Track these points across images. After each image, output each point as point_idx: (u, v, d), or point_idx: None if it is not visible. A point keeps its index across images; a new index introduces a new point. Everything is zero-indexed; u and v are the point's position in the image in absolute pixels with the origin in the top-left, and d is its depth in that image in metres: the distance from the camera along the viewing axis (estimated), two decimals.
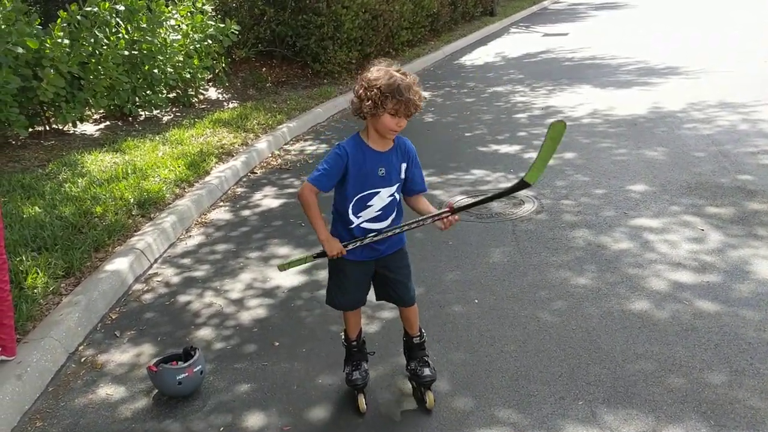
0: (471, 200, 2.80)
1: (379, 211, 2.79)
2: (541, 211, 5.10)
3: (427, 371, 2.96)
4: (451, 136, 7.71)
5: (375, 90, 2.53)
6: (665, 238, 4.42)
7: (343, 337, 3.16)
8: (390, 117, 2.57)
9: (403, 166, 2.78)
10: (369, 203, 2.76)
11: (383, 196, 2.77)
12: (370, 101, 2.55)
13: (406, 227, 2.78)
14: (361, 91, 2.59)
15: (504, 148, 7.00)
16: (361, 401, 2.97)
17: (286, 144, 8.13)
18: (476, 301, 3.86)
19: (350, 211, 2.78)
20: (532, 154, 6.60)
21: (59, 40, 7.08)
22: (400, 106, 2.55)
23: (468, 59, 14.14)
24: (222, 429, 2.98)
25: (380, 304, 3.84)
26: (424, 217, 2.76)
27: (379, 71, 2.59)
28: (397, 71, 2.60)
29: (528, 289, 3.93)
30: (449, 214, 2.68)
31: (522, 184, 2.57)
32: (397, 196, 2.82)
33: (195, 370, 3.18)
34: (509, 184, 2.74)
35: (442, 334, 3.52)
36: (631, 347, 3.24)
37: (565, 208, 5.12)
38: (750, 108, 7.52)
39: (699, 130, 6.85)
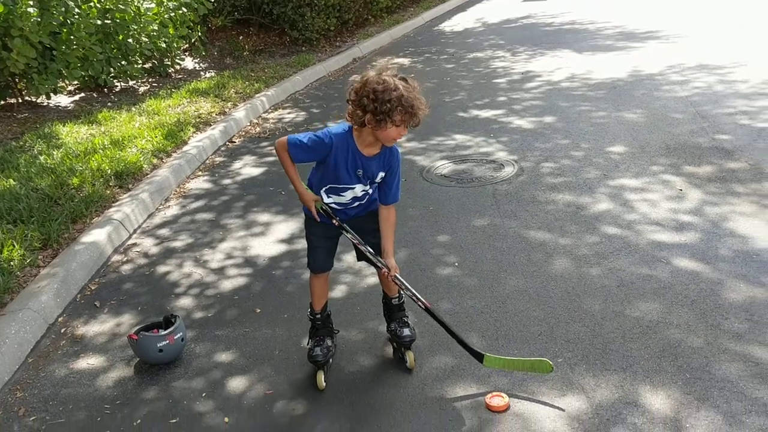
0: (442, 323, 2.89)
1: (350, 200, 2.82)
2: (521, 174, 5.10)
3: (406, 331, 2.97)
4: (431, 102, 7.54)
5: (381, 102, 2.45)
6: (644, 197, 4.44)
7: (308, 309, 3.13)
8: (395, 128, 2.53)
9: (381, 174, 2.77)
10: (342, 194, 2.79)
11: (357, 192, 2.79)
12: (375, 114, 2.47)
13: (362, 246, 2.87)
14: (364, 100, 2.49)
15: (484, 113, 6.97)
16: (320, 379, 2.90)
17: (264, 112, 8.05)
18: (457, 263, 3.87)
19: (322, 191, 2.80)
20: (512, 119, 6.60)
21: (28, 9, 6.90)
22: (408, 117, 2.50)
23: (448, 25, 14.02)
24: (204, 394, 2.98)
25: (360, 270, 3.86)
26: (372, 259, 2.87)
27: (381, 81, 2.49)
28: (399, 78, 2.54)
29: (508, 251, 3.94)
30: (387, 271, 2.82)
31: (478, 356, 2.82)
32: (372, 191, 2.83)
33: (176, 337, 3.16)
34: (469, 345, 2.86)
35: (422, 295, 3.51)
36: (610, 306, 3.27)
37: (545, 170, 5.13)
38: (727, 69, 7.55)
39: (677, 92, 6.86)
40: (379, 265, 2.87)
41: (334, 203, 2.82)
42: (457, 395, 2.77)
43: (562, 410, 2.61)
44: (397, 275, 2.85)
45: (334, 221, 2.83)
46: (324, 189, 2.79)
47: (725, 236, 3.82)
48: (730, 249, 3.68)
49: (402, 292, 3.00)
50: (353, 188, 2.77)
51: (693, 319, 3.09)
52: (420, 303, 2.86)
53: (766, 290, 3.25)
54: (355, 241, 2.88)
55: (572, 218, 4.27)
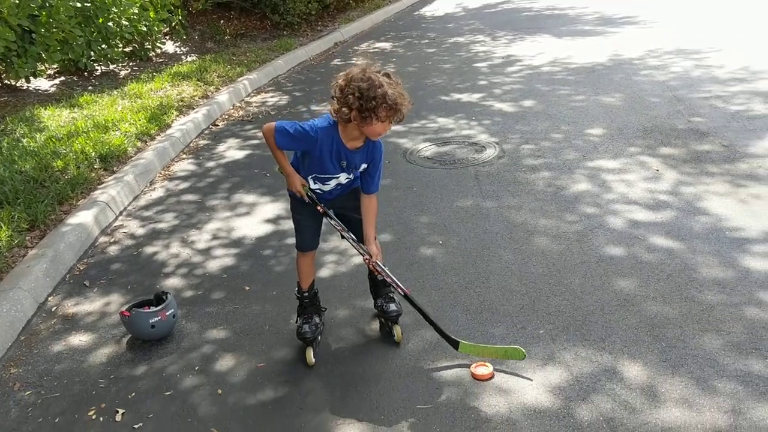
0: (420, 309, 2.96)
1: (334, 187, 2.90)
2: (502, 156, 5.20)
3: (393, 306, 3.07)
4: (413, 86, 7.72)
5: (366, 100, 2.51)
6: (622, 178, 4.57)
7: (296, 288, 3.21)
8: (380, 124, 2.60)
9: (364, 165, 2.85)
10: (327, 182, 2.87)
11: (341, 180, 2.88)
12: (360, 111, 2.54)
13: (345, 234, 2.98)
14: (350, 97, 2.55)
15: (465, 97, 7.06)
16: (309, 355, 3.00)
17: (247, 96, 8.07)
18: (441, 242, 3.97)
19: (309, 178, 2.87)
20: (494, 102, 6.69)
21: None
22: (392, 114, 2.57)
23: (428, 10, 14.07)
24: (197, 368, 3.06)
25: (346, 250, 3.94)
26: (354, 245, 2.97)
27: (366, 78, 2.55)
28: (383, 74, 2.59)
29: (491, 230, 4.04)
30: (368, 258, 2.92)
31: (454, 343, 2.89)
32: (354, 177, 2.90)
33: (167, 313, 3.23)
34: (445, 332, 2.93)
35: (408, 274, 3.61)
36: (589, 280, 3.39)
37: (525, 152, 5.24)
38: (703, 55, 7.69)
39: (654, 77, 7.00)
40: (361, 251, 2.96)
41: (319, 190, 2.90)
42: (443, 366, 2.88)
43: (544, 380, 2.72)
44: (378, 262, 2.93)
45: (318, 208, 2.91)
46: (309, 177, 2.87)
47: (699, 215, 3.95)
48: (703, 227, 3.81)
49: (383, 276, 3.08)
50: (338, 177, 2.85)
51: (668, 292, 3.22)
52: (399, 290, 2.95)
53: (737, 265, 3.39)
54: (338, 228, 2.96)
55: (552, 198, 4.38)
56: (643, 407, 2.50)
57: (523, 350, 2.81)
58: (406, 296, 2.94)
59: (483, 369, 2.78)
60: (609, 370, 2.73)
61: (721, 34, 8.73)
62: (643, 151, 5.00)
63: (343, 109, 2.59)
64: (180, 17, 10.15)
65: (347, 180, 2.87)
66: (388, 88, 2.54)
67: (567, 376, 2.73)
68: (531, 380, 2.73)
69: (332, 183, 2.86)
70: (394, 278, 2.95)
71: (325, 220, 3.00)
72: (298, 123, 2.75)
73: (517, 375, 2.77)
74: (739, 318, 2.97)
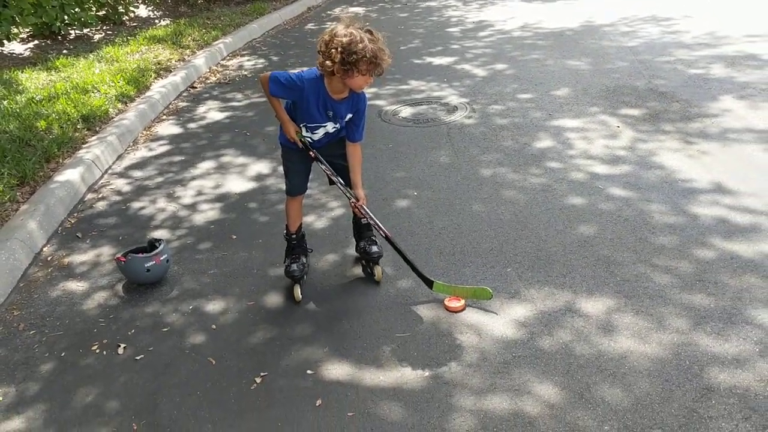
0: (399, 251, 3.21)
1: (322, 136, 3.13)
2: (472, 116, 5.46)
3: (374, 248, 3.33)
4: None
5: (348, 54, 2.70)
6: (584, 135, 4.86)
7: (285, 230, 3.46)
8: (361, 77, 2.80)
9: (349, 115, 3.07)
10: (315, 131, 3.10)
11: (328, 129, 3.10)
12: (342, 64, 2.73)
13: (334, 178, 3.21)
14: (333, 51, 2.74)
15: (437, 60, 7.28)
16: (297, 291, 3.26)
17: (223, 59, 8.19)
18: (415, 194, 4.23)
19: (299, 126, 3.09)
20: (465, 66, 6.92)
21: None
22: (372, 67, 2.77)
23: None
24: (191, 308, 3.29)
25: (331, 200, 4.18)
26: (342, 189, 3.21)
27: (348, 34, 2.73)
28: (365, 30, 2.79)
29: (462, 183, 4.31)
30: (355, 201, 3.16)
31: (428, 282, 3.15)
32: (340, 126, 3.12)
33: (162, 258, 3.45)
34: (421, 272, 3.18)
35: (385, 223, 3.82)
36: (553, 225, 3.68)
37: (494, 112, 5.50)
38: (673, 21, 7.95)
39: (622, 42, 7.27)
40: (348, 195, 3.20)
41: (308, 138, 3.13)
42: (419, 301, 3.16)
43: (511, 313, 3.01)
44: (363, 205, 3.18)
45: (310, 153, 3.13)
46: (301, 125, 3.09)
47: (654, 168, 4.26)
48: (657, 178, 4.12)
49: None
50: (325, 126, 3.07)
51: (624, 235, 3.52)
52: (381, 231, 3.20)
53: (687, 212, 3.70)
54: (328, 172, 3.19)
55: (519, 153, 4.65)
56: (599, 338, 2.80)
57: (491, 290, 3.08)
58: (387, 238, 3.19)
59: (455, 302, 3.06)
60: (569, 305, 3.02)
61: (694, 1, 8.97)
62: (604, 110, 5.29)
63: (327, 62, 2.79)
64: None
65: (334, 129, 3.10)
66: (369, 43, 2.75)
67: (531, 309, 3.02)
68: (498, 314, 3.01)
69: (320, 132, 3.09)
70: (377, 221, 3.20)
71: (314, 165, 3.23)
72: (288, 73, 2.96)
73: (487, 309, 3.05)
74: (687, 257, 3.29)
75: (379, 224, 3.20)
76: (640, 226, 3.59)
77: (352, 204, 3.20)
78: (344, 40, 2.73)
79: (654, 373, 2.56)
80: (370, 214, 3.20)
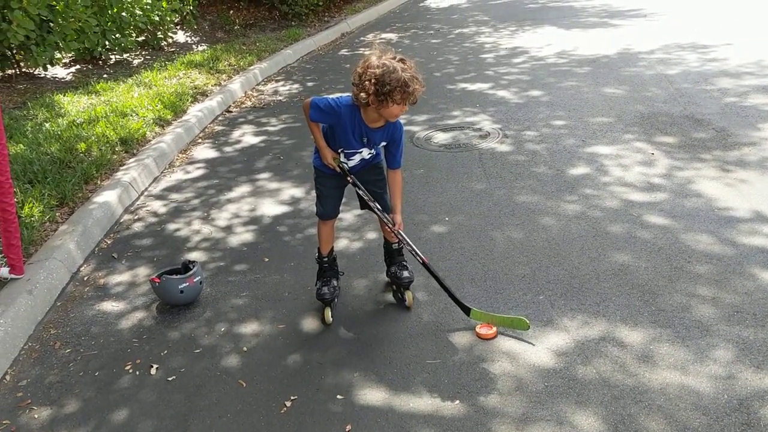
0: (436, 277, 3.21)
1: (358, 162, 3.17)
2: (505, 141, 5.45)
3: (405, 273, 3.33)
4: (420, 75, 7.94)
5: (381, 85, 2.73)
6: (619, 162, 4.81)
7: (316, 254, 3.48)
8: (396, 106, 2.82)
9: (384, 143, 3.11)
10: (351, 157, 3.14)
11: (364, 155, 3.14)
12: (377, 96, 2.76)
13: (371, 203, 3.22)
14: (366, 83, 2.77)
15: (471, 86, 7.30)
16: (327, 314, 3.28)
17: (258, 84, 8.32)
18: (447, 219, 4.22)
19: (336, 151, 3.13)
20: (499, 92, 6.93)
21: None
22: (406, 96, 2.79)
23: (433, 2, 14.28)
24: (223, 330, 3.32)
25: (360, 227, 4.20)
26: (379, 214, 3.22)
27: (381, 65, 2.75)
28: (398, 60, 2.81)
29: (494, 209, 4.29)
30: (391, 226, 3.18)
31: (466, 309, 3.14)
32: (378, 151, 3.17)
33: (195, 280, 3.49)
34: (458, 299, 3.18)
35: (417, 248, 3.83)
36: (586, 252, 3.64)
37: (528, 138, 5.48)
38: (711, 48, 7.82)
39: (659, 69, 7.20)
40: (385, 220, 3.21)
41: (345, 164, 3.16)
42: (451, 328, 3.13)
43: (544, 341, 2.97)
44: (400, 231, 3.19)
45: (348, 179, 3.17)
46: (338, 150, 3.12)
47: (690, 196, 4.19)
48: (694, 206, 4.06)
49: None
50: (360, 152, 3.12)
51: (660, 263, 3.47)
52: (418, 258, 3.20)
53: (725, 240, 3.63)
54: (365, 198, 3.21)
55: (552, 180, 4.62)
56: (636, 369, 2.74)
57: (528, 321, 3.05)
58: (424, 264, 3.19)
59: (487, 329, 3.03)
60: (604, 333, 2.97)
61: (732, 29, 8.83)
62: (639, 137, 5.24)
63: (361, 94, 2.81)
64: (191, 7, 10.39)
65: (369, 155, 3.14)
66: (402, 73, 2.76)
67: (566, 338, 2.98)
68: (532, 342, 2.97)
69: (356, 158, 3.13)
70: (414, 247, 3.20)
71: (346, 189, 3.26)
72: (327, 98, 3.01)
73: (519, 338, 3.01)
74: (725, 287, 3.22)
75: (416, 250, 3.20)
76: (676, 255, 3.53)
77: (389, 229, 3.19)
78: (377, 71, 2.75)
79: (692, 406, 2.50)
80: (407, 240, 3.21)
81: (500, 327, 3.07)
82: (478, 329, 3.05)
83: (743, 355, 2.74)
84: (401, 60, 2.84)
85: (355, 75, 2.87)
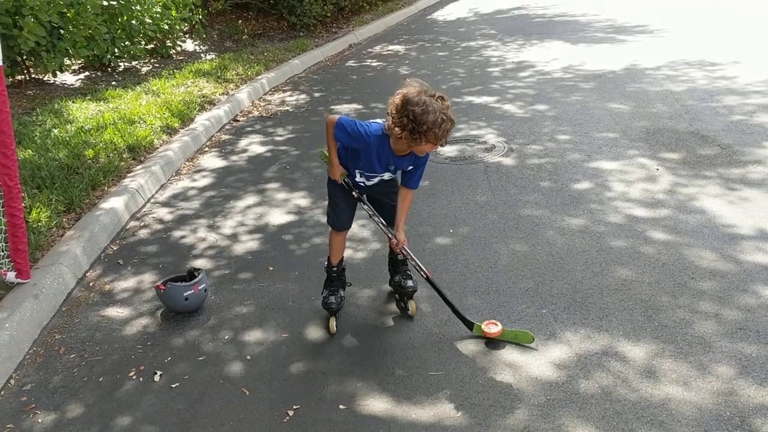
0: (439, 291, 3.23)
1: (376, 182, 3.21)
2: (510, 155, 5.47)
3: (409, 282, 3.35)
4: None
5: (419, 124, 2.72)
6: (624, 177, 4.83)
7: (326, 262, 3.50)
8: (428, 145, 2.82)
9: (410, 167, 3.11)
10: (371, 178, 3.17)
11: (385, 177, 3.19)
12: (412, 133, 2.75)
13: (375, 217, 3.26)
14: (404, 119, 2.75)
15: (477, 99, 7.33)
16: (332, 323, 3.30)
17: (265, 94, 8.37)
18: (451, 231, 4.24)
19: (354, 170, 3.15)
20: (506, 106, 6.96)
21: None
22: (441, 138, 2.79)
23: (441, 15, 14.35)
24: (227, 338, 3.33)
25: (367, 235, 4.22)
26: (383, 229, 3.25)
27: (421, 102, 2.71)
28: (436, 98, 2.78)
29: (499, 221, 4.31)
30: (396, 242, 3.19)
31: (469, 324, 3.14)
32: (397, 175, 3.21)
33: (200, 287, 3.51)
34: (461, 314, 3.20)
35: (421, 259, 3.83)
36: (590, 267, 3.65)
37: (533, 152, 5.50)
38: (719, 66, 7.82)
39: (664, 86, 7.22)
40: (390, 235, 3.23)
41: (362, 183, 3.19)
42: (454, 339, 3.15)
43: (546, 354, 2.98)
44: (405, 247, 3.21)
45: (353, 193, 3.20)
46: (356, 170, 3.14)
47: (694, 212, 4.21)
48: (698, 223, 4.07)
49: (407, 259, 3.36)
50: (382, 175, 3.15)
51: (663, 279, 3.48)
52: (422, 272, 3.23)
53: (728, 257, 3.64)
54: (370, 212, 3.24)
55: (557, 194, 4.64)
56: (637, 384, 2.75)
57: (532, 334, 3.06)
58: (428, 279, 3.21)
59: (493, 327, 3.07)
60: (606, 348, 2.99)
61: (741, 47, 8.83)
62: (644, 153, 5.26)
63: (396, 128, 2.79)
64: (200, 16, 10.46)
65: (390, 177, 3.19)
66: (440, 114, 2.73)
67: (568, 351, 2.99)
68: (533, 355, 2.99)
69: (376, 179, 3.17)
70: (417, 261, 3.23)
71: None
72: (357, 123, 2.98)
73: (522, 350, 3.02)
74: (728, 303, 3.23)
75: (420, 264, 3.22)
76: (679, 271, 3.54)
77: (393, 243, 3.22)
78: (417, 109, 2.72)
79: (694, 422, 2.50)
80: (411, 255, 3.24)
81: (505, 340, 3.09)
82: (484, 327, 3.08)
83: (745, 372, 2.75)
84: (440, 98, 2.81)
85: (392, 106, 2.82)
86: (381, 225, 3.25)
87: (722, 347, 2.92)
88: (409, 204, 3.24)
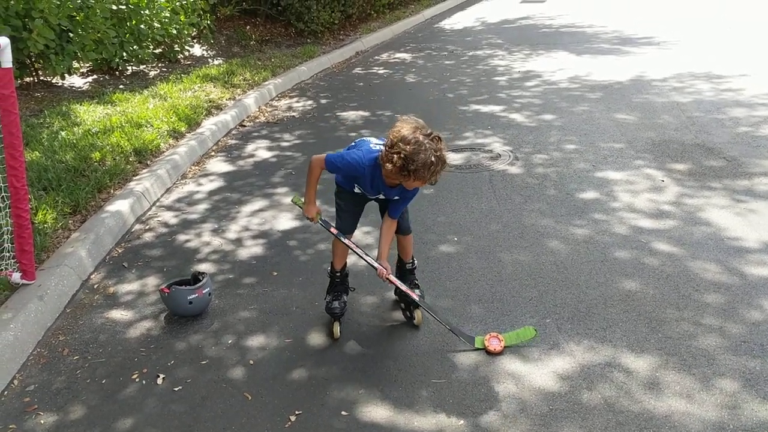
0: (433, 312, 3.25)
1: (375, 198, 3.26)
2: (516, 164, 5.47)
3: (416, 291, 3.34)
4: (432, 96, 8.03)
5: (409, 162, 2.73)
6: (629, 188, 4.82)
7: (329, 267, 3.50)
8: (417, 182, 2.85)
9: (397, 197, 3.14)
10: (371, 195, 3.23)
11: (379, 197, 3.23)
12: (401, 170, 2.77)
13: (357, 250, 3.27)
14: (395, 156, 2.75)
15: (483, 108, 7.34)
16: (336, 329, 3.31)
17: (272, 100, 8.39)
18: (456, 239, 4.24)
19: (352, 184, 3.22)
20: (511, 115, 6.97)
21: None
22: (430, 177, 2.81)
23: (447, 23, 14.39)
24: (230, 342, 3.34)
25: (372, 242, 4.22)
26: (366, 259, 3.25)
27: (414, 141, 2.73)
28: (431, 138, 2.79)
29: (503, 230, 4.31)
30: (381, 271, 3.18)
31: (469, 339, 3.14)
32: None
33: (204, 291, 3.51)
34: (459, 330, 3.20)
35: (425, 267, 3.88)
36: (594, 277, 3.65)
37: (538, 161, 5.51)
38: (726, 79, 7.83)
39: (671, 97, 7.22)
40: (375, 266, 3.22)
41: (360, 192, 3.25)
42: (457, 348, 3.14)
43: (549, 364, 2.98)
44: (389, 276, 3.21)
45: (331, 230, 3.27)
46: (356, 184, 3.19)
47: (700, 224, 4.20)
48: (703, 235, 4.06)
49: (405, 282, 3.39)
50: (377, 197, 3.21)
51: (668, 291, 3.47)
52: (410, 297, 3.27)
53: (734, 270, 3.64)
54: (351, 247, 3.27)
55: (562, 203, 4.64)
56: (641, 395, 2.74)
57: (533, 328, 3.07)
58: (417, 302, 3.26)
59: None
60: (609, 359, 2.98)
61: (748, 59, 8.83)
62: (649, 164, 5.26)
63: (387, 164, 2.81)
64: (208, 22, 10.51)
65: (384, 197, 3.22)
66: (431, 154, 2.74)
67: (571, 362, 2.98)
68: (536, 365, 2.98)
69: (374, 197, 3.24)
70: (406, 289, 3.27)
71: (367, 206, 3.36)
72: (343, 155, 3.03)
73: (525, 360, 3.02)
74: (733, 316, 3.22)
75: (408, 290, 3.25)
76: (684, 283, 3.54)
77: (379, 273, 3.20)
78: (408, 148, 2.74)
79: None
80: (397, 282, 3.27)
81: (509, 345, 3.09)
82: (486, 341, 3.08)
83: (749, 386, 2.74)
84: (434, 138, 2.81)
85: (387, 140, 2.86)
86: (365, 256, 3.26)
87: (726, 361, 2.91)
88: (392, 233, 3.24)
